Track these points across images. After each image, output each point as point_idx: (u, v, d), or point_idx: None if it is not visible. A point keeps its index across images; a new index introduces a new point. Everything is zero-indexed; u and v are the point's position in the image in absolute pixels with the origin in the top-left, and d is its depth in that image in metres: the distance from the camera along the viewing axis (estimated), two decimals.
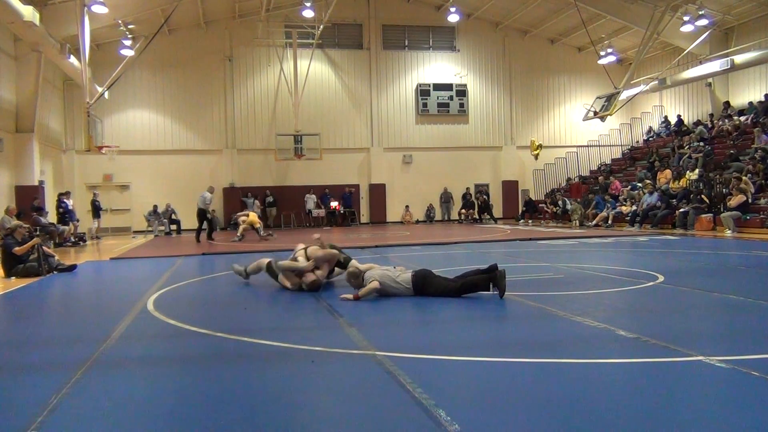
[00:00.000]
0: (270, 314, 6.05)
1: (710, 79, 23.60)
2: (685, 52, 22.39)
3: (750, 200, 15.80)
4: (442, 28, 27.57)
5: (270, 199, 25.32)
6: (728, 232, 14.98)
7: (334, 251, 7.41)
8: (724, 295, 6.19)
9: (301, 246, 7.43)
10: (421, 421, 2.84)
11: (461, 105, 27.46)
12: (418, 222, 27.20)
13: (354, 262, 6.92)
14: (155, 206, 22.86)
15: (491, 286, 6.03)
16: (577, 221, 21.22)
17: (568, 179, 22.55)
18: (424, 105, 27.17)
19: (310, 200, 25.49)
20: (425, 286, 6.12)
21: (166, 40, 24.22)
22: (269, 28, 25.24)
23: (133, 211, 24.49)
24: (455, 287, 6.07)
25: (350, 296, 6.25)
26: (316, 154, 24.78)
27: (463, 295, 6.06)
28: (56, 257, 10.70)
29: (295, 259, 7.23)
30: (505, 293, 6.01)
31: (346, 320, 5.29)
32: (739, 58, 20.75)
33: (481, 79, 28.04)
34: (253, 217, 17.73)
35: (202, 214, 17.34)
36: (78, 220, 20.14)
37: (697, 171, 18.91)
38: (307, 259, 7.19)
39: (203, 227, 17.59)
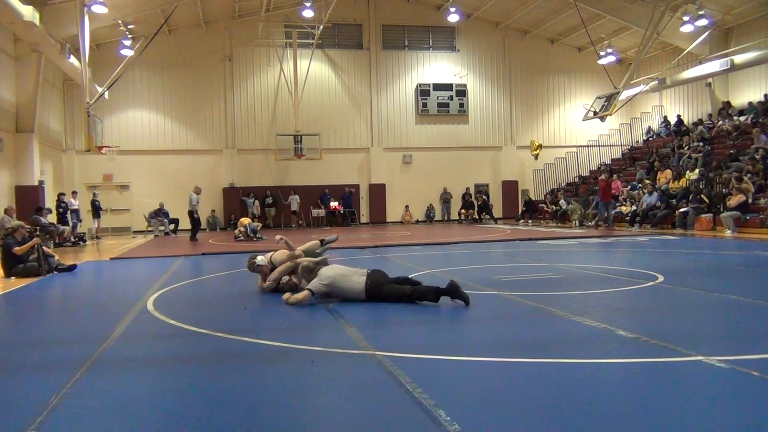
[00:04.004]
0: (270, 314, 6.04)
1: (710, 79, 23.60)
2: (684, 52, 22.38)
3: (750, 200, 15.80)
4: (442, 28, 27.57)
5: (269, 200, 25.33)
6: (728, 232, 14.98)
7: (297, 261, 6.85)
8: (724, 295, 6.19)
9: (270, 253, 7.34)
10: (421, 421, 2.84)
11: (461, 105, 27.46)
12: (418, 222, 27.21)
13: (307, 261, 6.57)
14: (162, 204, 22.77)
15: (445, 298, 5.83)
16: (577, 221, 21.23)
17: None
18: (424, 105, 27.17)
19: (294, 201, 25.22)
20: (378, 292, 5.95)
21: (166, 40, 24.23)
22: (269, 28, 25.26)
23: (133, 211, 24.49)
24: (406, 293, 5.90)
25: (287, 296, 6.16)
26: (316, 154, 24.77)
27: (415, 302, 5.89)
28: (56, 257, 10.70)
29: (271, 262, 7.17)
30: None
31: (346, 320, 5.28)
32: (738, 58, 20.75)
33: (481, 79, 28.05)
34: (243, 220, 18.14)
35: (190, 215, 18.54)
36: (81, 220, 20.23)
37: (696, 171, 18.90)
38: (270, 262, 7.08)
39: (196, 228, 18.58)
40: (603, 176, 20.25)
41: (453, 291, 5.78)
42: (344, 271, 6.17)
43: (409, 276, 6.45)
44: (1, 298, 7.87)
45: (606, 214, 18.70)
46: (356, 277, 6.07)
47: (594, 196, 21.91)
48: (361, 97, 27.00)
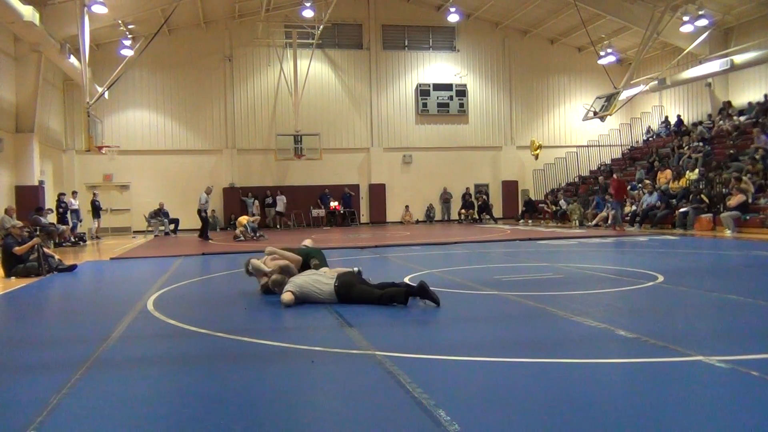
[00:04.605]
0: (270, 314, 6.04)
1: (710, 79, 23.60)
2: (684, 52, 22.38)
3: (750, 200, 15.80)
4: (442, 28, 27.58)
5: (269, 200, 25.32)
6: (728, 232, 14.98)
7: (276, 269, 6.74)
8: (724, 295, 6.19)
9: (269, 249, 7.36)
10: (421, 421, 2.84)
11: (461, 105, 27.47)
12: (418, 222, 27.21)
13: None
14: (161, 204, 22.81)
15: (418, 299, 5.87)
16: (577, 221, 21.22)
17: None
18: (424, 105, 27.18)
19: (280, 202, 25.06)
20: (348, 294, 5.99)
21: (166, 40, 24.22)
22: (269, 28, 25.26)
23: (133, 211, 24.50)
24: (376, 296, 5.93)
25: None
26: (316, 154, 24.78)
27: (382, 304, 5.88)
28: (56, 257, 10.70)
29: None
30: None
31: (346, 320, 5.28)
32: (738, 58, 20.75)
33: (481, 79, 28.05)
34: (242, 218, 18.20)
35: (198, 214, 19.07)
36: (81, 220, 20.24)
37: (696, 171, 18.90)
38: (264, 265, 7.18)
39: (204, 227, 19.01)
40: (615, 176, 19.80)
41: (422, 291, 5.80)
42: (314, 277, 6.26)
43: (405, 278, 6.44)
44: (1, 298, 7.87)
45: (616, 214, 18.12)
46: (325, 280, 6.15)
47: (594, 196, 21.90)
48: (361, 97, 27.00)
